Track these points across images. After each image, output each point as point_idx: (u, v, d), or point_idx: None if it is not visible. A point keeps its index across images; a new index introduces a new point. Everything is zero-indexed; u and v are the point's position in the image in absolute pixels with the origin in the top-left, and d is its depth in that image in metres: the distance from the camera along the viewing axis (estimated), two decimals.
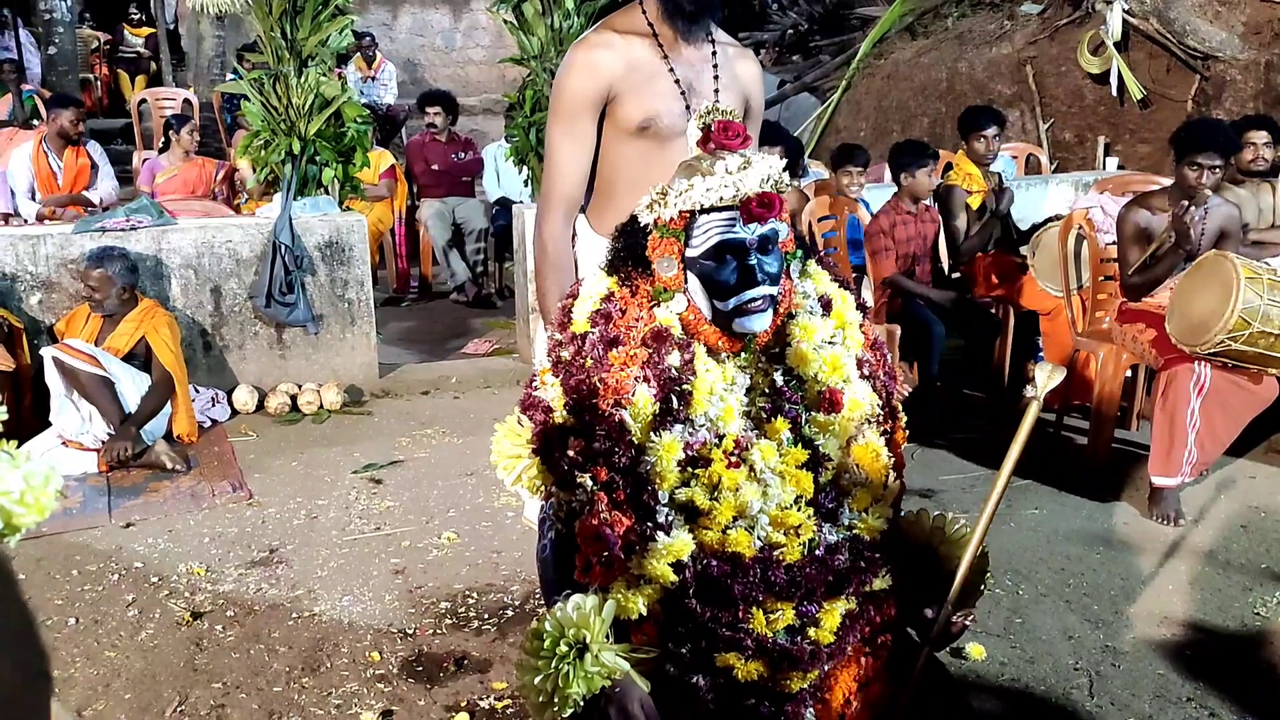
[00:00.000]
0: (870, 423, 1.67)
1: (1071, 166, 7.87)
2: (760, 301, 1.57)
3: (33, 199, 6.23)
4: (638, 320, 1.61)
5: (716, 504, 1.57)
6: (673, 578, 1.53)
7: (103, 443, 4.17)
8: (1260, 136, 4.73)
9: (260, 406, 4.92)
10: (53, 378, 4.14)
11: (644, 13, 2.22)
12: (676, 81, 2.21)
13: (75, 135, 6.36)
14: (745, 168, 1.55)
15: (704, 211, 1.57)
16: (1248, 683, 2.70)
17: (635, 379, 1.57)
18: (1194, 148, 3.79)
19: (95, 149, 6.55)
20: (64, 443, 4.19)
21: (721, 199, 1.55)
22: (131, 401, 4.26)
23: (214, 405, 4.82)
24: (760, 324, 1.58)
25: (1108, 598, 3.13)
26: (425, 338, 6.35)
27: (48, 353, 4.15)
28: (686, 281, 1.61)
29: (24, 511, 0.92)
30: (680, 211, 1.58)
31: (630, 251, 1.67)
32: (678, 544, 1.53)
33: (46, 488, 0.96)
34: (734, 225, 1.56)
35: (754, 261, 1.56)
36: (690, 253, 1.59)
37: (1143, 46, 7.60)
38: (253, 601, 3.11)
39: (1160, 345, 3.81)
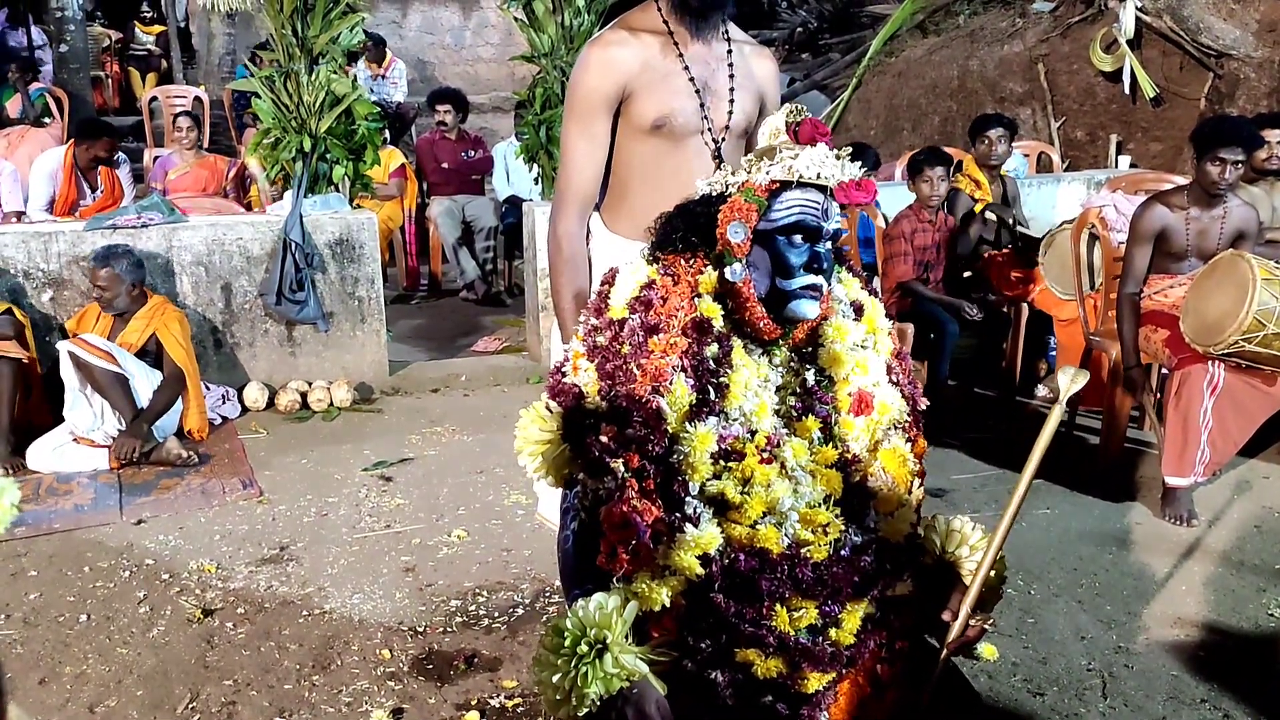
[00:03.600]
0: (897, 428, 1.68)
1: (1083, 165, 7.84)
2: (816, 290, 1.59)
3: (48, 212, 6.19)
4: (678, 309, 1.62)
5: (747, 498, 1.57)
6: (700, 570, 1.52)
7: (114, 439, 4.18)
8: (1274, 135, 4.69)
9: (271, 404, 4.93)
10: (67, 372, 4.14)
11: (659, 10, 2.22)
12: (691, 80, 2.20)
13: (110, 159, 6.35)
14: (841, 158, 1.60)
15: (794, 187, 1.59)
16: (1262, 684, 2.68)
17: (674, 367, 1.57)
18: (1218, 142, 3.75)
19: (125, 173, 6.53)
20: (75, 439, 4.20)
21: (820, 175, 1.58)
22: (145, 398, 4.27)
23: (224, 403, 4.83)
24: (811, 311, 1.60)
25: (1120, 598, 3.12)
26: (435, 335, 6.36)
27: (63, 347, 4.16)
28: (750, 253, 1.62)
29: None
30: (771, 180, 1.60)
31: (690, 224, 1.67)
32: (706, 536, 1.53)
33: (1, 500, 0.95)
34: (817, 209, 1.60)
35: (822, 250, 1.60)
36: (764, 225, 1.61)
37: (1155, 44, 7.56)
38: (263, 599, 3.12)
39: (1173, 345, 3.79)
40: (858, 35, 10.86)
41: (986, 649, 2.75)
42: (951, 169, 5.04)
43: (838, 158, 1.60)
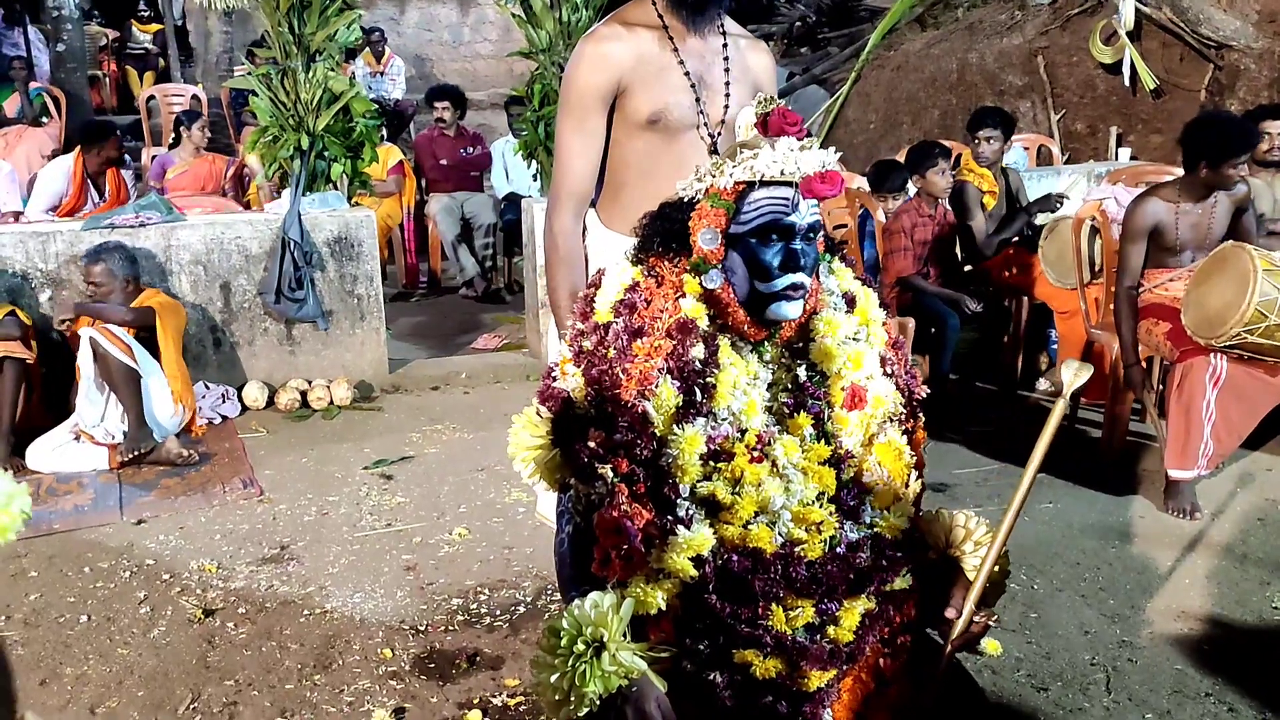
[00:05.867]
0: (892, 420, 1.66)
1: (1084, 157, 7.82)
2: (797, 289, 1.55)
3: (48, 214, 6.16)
4: (663, 311, 1.60)
5: (738, 499, 1.55)
6: (693, 572, 1.51)
7: (113, 439, 4.17)
8: (1275, 126, 4.68)
9: (270, 403, 4.92)
10: (85, 359, 4.15)
11: (654, 4, 2.20)
12: (687, 74, 2.19)
13: (120, 158, 6.32)
14: (806, 149, 1.55)
15: (759, 186, 1.56)
16: (1267, 678, 2.67)
17: (659, 370, 1.55)
18: (1231, 154, 3.70)
19: (128, 174, 6.50)
20: (76, 436, 4.20)
21: (783, 172, 1.54)
22: (156, 399, 4.26)
23: (224, 402, 4.82)
24: (792, 312, 1.56)
25: (1124, 592, 3.11)
26: (435, 333, 6.35)
27: (85, 333, 4.16)
28: (726, 258, 1.59)
29: None
30: (735, 182, 1.56)
31: (667, 228, 1.64)
32: (698, 538, 1.52)
33: (9, 508, 0.94)
34: (786, 206, 1.55)
35: (799, 246, 1.56)
36: (736, 228, 1.57)
37: (1155, 36, 7.54)
38: (264, 598, 3.11)
39: (1175, 338, 3.77)
40: (857, 29, 10.82)
41: (990, 644, 2.73)
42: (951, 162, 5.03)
43: (804, 148, 1.55)
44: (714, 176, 1.59)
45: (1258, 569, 3.26)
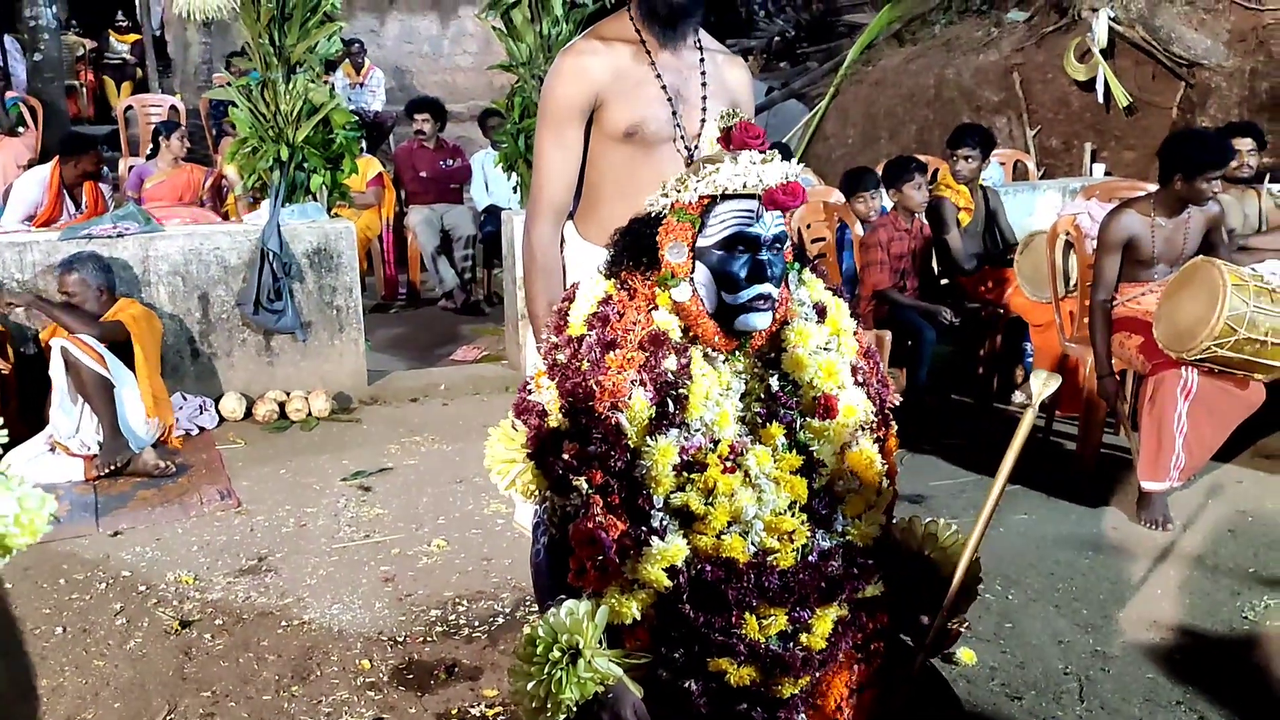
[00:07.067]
0: (864, 429, 1.68)
1: (1058, 173, 7.91)
2: (765, 300, 1.58)
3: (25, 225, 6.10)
4: (635, 324, 1.62)
5: (711, 509, 1.57)
6: (667, 582, 1.53)
7: (89, 450, 4.15)
8: (1245, 144, 4.76)
9: (248, 414, 4.90)
10: (57, 370, 4.12)
11: (631, 19, 2.23)
12: (664, 88, 2.22)
13: (98, 173, 6.28)
14: (768, 161, 1.58)
15: (723, 200, 1.58)
16: (1237, 686, 2.71)
17: (632, 382, 1.57)
18: (1210, 167, 3.77)
19: (105, 186, 6.45)
20: (52, 446, 4.17)
21: (745, 185, 1.57)
22: (129, 408, 4.23)
23: (201, 413, 4.80)
24: (761, 322, 1.59)
25: (1097, 602, 3.14)
26: (414, 345, 6.34)
27: (57, 343, 4.14)
28: (694, 271, 1.61)
29: (18, 533, 0.92)
30: (700, 197, 1.59)
31: (636, 244, 1.67)
32: (672, 549, 1.54)
33: (41, 510, 0.95)
34: (750, 218, 1.58)
35: (765, 257, 1.58)
36: (703, 241, 1.60)
37: (1128, 54, 7.64)
38: (241, 610, 3.10)
39: (1147, 351, 3.82)
40: (835, 44, 10.91)
41: (965, 654, 2.76)
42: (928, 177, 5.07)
43: (765, 161, 1.59)
44: (679, 192, 1.62)
45: (1228, 579, 3.30)
